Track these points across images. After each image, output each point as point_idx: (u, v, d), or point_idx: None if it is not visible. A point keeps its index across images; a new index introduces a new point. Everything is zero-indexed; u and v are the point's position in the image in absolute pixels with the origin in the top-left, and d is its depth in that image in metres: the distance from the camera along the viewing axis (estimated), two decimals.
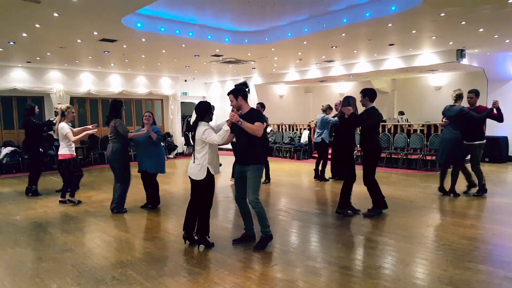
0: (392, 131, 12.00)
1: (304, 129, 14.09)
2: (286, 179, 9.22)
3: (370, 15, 6.82)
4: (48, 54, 9.69)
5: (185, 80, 16.93)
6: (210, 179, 4.31)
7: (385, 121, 13.22)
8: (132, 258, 4.20)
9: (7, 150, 11.19)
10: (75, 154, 6.69)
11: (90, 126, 6.95)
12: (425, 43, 9.22)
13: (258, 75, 15.73)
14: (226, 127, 4.10)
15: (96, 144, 13.48)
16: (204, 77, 16.36)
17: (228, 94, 4.39)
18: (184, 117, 19.01)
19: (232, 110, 4.24)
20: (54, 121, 7.31)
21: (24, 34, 7.42)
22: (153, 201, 6.40)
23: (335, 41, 8.78)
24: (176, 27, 7.83)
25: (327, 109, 8.82)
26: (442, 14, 6.63)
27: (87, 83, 13.29)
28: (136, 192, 7.26)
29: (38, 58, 10.44)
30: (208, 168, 4.26)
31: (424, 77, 14.68)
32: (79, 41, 8.13)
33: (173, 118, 15.80)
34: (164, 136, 15.42)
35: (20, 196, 7.76)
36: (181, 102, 17.66)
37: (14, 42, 8.17)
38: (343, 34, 8.12)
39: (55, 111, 8.05)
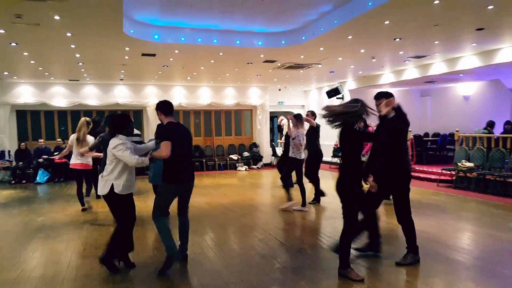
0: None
1: None
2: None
3: None
4: (123, 71, 10.78)
5: (279, 89, 16.56)
6: (114, 196, 4.02)
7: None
8: (53, 274, 4.12)
9: None
10: None
11: None
12: None
13: (351, 79, 14.16)
14: (146, 160, 3.96)
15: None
16: (302, 84, 15.60)
17: None
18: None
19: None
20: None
21: (77, 55, 8.38)
22: None
23: (389, 31, 7.01)
24: (198, 36, 7.58)
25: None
26: None
27: (179, 96, 14.31)
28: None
29: (115, 77, 11.78)
30: (112, 184, 3.99)
31: None
32: (126, 57, 8.73)
33: (260, 128, 15.57)
34: (250, 146, 15.37)
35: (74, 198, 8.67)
36: (280, 112, 17.27)
37: (82, 63, 9.35)
38: (387, 22, 6.42)
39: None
